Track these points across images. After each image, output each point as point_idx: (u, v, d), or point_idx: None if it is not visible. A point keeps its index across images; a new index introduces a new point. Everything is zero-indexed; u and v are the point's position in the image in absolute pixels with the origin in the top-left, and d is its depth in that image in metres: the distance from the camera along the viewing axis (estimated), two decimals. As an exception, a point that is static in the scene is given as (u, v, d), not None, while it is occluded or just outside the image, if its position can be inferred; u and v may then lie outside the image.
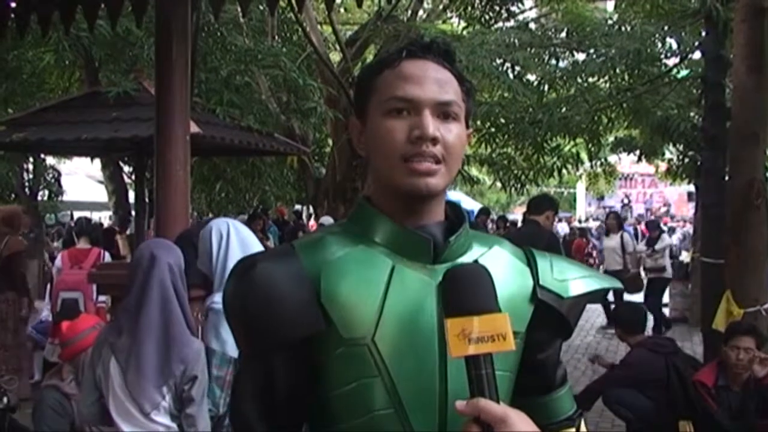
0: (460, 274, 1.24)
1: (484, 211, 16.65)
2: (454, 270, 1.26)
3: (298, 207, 18.41)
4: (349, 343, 1.29)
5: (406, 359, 1.29)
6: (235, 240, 3.55)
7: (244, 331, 1.35)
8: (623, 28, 11.40)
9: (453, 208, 1.47)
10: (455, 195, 24.04)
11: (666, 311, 13.51)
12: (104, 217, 21.76)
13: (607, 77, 11.47)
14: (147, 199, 8.74)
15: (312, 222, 15.81)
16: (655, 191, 37.40)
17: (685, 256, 18.51)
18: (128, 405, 3.05)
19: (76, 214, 19.72)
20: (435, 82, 1.35)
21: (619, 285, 1.61)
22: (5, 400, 4.36)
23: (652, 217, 24.06)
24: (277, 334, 1.29)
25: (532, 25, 13.61)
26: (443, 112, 1.35)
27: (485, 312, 1.18)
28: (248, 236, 3.63)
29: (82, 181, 24.22)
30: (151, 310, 3.11)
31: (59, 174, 19.00)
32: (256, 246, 3.67)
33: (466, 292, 1.20)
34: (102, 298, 7.20)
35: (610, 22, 12.34)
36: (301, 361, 1.32)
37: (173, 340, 3.10)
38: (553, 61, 12.51)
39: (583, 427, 1.58)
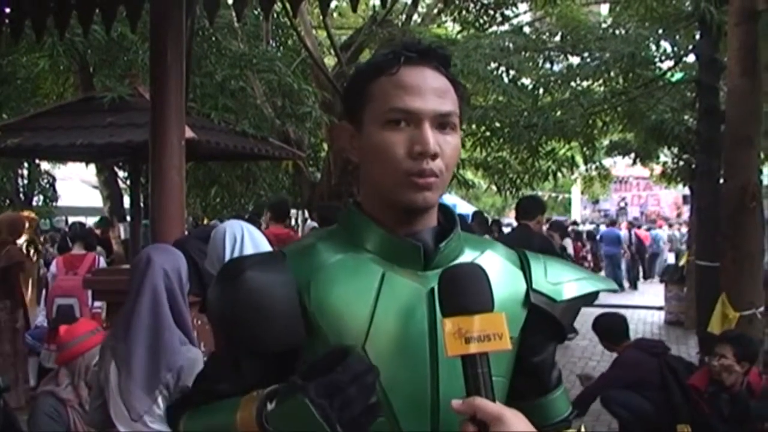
0: (457, 274, 1.23)
1: (479, 215, 16.64)
2: (450, 269, 1.25)
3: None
4: None
5: (397, 366, 1.29)
6: (249, 244, 3.50)
7: (227, 336, 1.36)
8: (617, 32, 11.44)
9: (445, 212, 1.46)
10: (450, 198, 24.04)
11: (662, 314, 13.54)
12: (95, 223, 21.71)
13: (601, 81, 11.51)
14: (142, 204, 8.73)
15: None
16: (650, 194, 37.45)
17: (669, 257, 18.56)
18: (124, 409, 3.04)
19: (71, 220, 19.70)
20: (434, 92, 1.33)
21: (615, 287, 1.61)
22: None
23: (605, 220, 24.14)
24: (259, 343, 1.30)
25: (527, 29, 13.63)
26: (442, 123, 1.33)
27: (482, 311, 1.18)
28: (262, 240, 3.59)
29: (77, 186, 24.15)
30: (142, 316, 3.08)
31: (54, 179, 19.00)
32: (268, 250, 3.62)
33: (463, 292, 1.20)
34: (97, 303, 7.19)
35: (604, 25, 12.39)
36: (281, 367, 1.31)
37: (163, 347, 3.07)
38: (548, 65, 12.56)
39: (583, 429, 1.59)
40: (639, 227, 24.01)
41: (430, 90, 1.33)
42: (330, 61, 14.92)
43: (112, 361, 3.10)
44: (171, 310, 3.13)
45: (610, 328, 5.99)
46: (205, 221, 14.35)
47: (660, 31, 10.64)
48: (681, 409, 5.35)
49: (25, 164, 16.64)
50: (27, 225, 8.27)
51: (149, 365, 3.05)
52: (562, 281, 1.47)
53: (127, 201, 13.91)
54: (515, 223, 7.27)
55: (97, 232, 11.94)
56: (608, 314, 6.42)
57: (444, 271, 1.25)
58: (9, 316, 7.14)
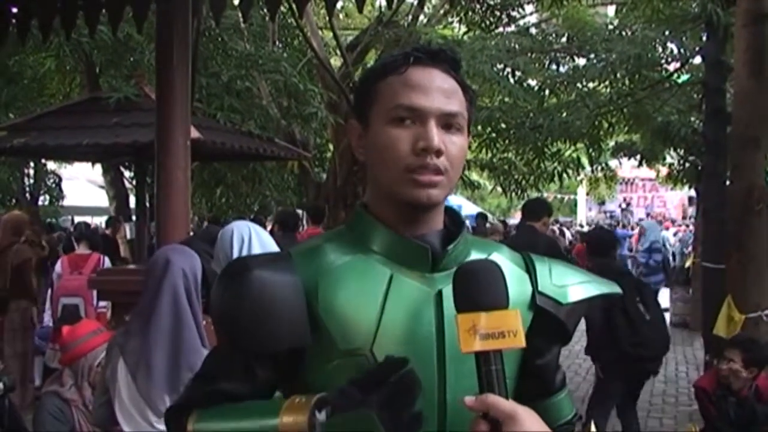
0: (472, 270, 1.23)
1: (482, 216, 16.67)
2: (465, 265, 1.25)
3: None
4: (346, 354, 1.28)
5: None
6: (257, 245, 3.49)
7: (227, 333, 1.35)
8: (624, 33, 11.42)
9: (451, 215, 1.46)
10: (456, 200, 24.05)
11: (667, 316, 13.51)
12: (104, 223, 21.76)
13: (607, 82, 11.48)
14: (148, 204, 8.74)
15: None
16: (656, 195, 37.38)
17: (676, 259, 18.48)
18: (131, 408, 3.03)
19: (77, 219, 19.75)
20: (441, 92, 1.33)
21: (619, 291, 1.60)
22: (1, 385, 4.33)
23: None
24: (259, 342, 1.29)
25: (533, 30, 13.62)
26: (448, 123, 1.33)
27: (497, 308, 1.18)
28: (269, 242, 3.58)
29: (82, 185, 24.18)
30: (162, 316, 3.07)
31: (60, 179, 19.08)
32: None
33: (478, 288, 1.20)
34: (102, 303, 7.19)
35: (610, 27, 12.37)
36: (282, 368, 1.32)
37: (183, 347, 3.06)
38: (554, 66, 12.55)
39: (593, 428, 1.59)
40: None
41: (437, 89, 1.33)
42: (336, 61, 14.91)
43: (120, 359, 3.09)
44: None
45: (599, 239, 6.20)
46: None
47: (666, 33, 10.61)
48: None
49: (31, 164, 16.68)
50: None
51: (170, 365, 3.05)
52: (567, 284, 1.48)
53: (133, 201, 13.95)
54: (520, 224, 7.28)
55: (107, 232, 11.97)
56: (601, 228, 6.54)
57: (459, 267, 1.25)
58: (21, 316, 7.17)
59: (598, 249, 6.08)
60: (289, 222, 8.68)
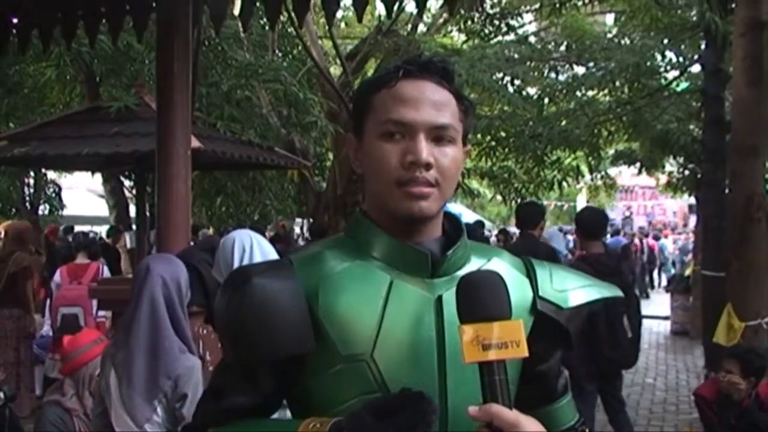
0: (475, 281, 1.23)
1: (479, 224, 16.66)
2: (468, 276, 1.26)
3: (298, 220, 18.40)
4: (347, 360, 1.29)
5: (406, 374, 1.29)
6: (258, 255, 3.49)
7: (232, 344, 1.35)
8: (623, 42, 11.47)
9: (451, 221, 1.47)
10: (456, 208, 24.04)
11: (668, 324, 13.50)
12: (105, 232, 21.72)
13: (606, 90, 11.51)
14: (148, 214, 8.74)
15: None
16: (656, 203, 37.40)
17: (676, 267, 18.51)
18: (125, 417, 3.05)
19: (77, 229, 19.71)
20: (432, 104, 1.34)
21: (620, 293, 1.60)
22: (1, 395, 4.32)
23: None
24: (265, 350, 1.29)
25: (532, 39, 13.66)
26: (438, 135, 1.34)
27: (499, 318, 1.18)
28: (270, 252, 3.58)
29: (83, 195, 24.13)
30: (141, 324, 3.09)
31: (60, 188, 19.02)
32: None
33: (481, 299, 1.20)
34: (102, 312, 7.18)
35: (609, 35, 12.45)
36: (287, 376, 1.33)
37: (162, 355, 3.07)
38: (553, 75, 12.58)
39: None
40: (646, 236, 23.92)
41: (428, 102, 1.34)
42: (335, 70, 14.94)
43: (112, 370, 3.11)
44: (170, 318, 3.14)
45: (590, 221, 5.79)
46: (211, 230, 14.39)
47: (665, 41, 10.65)
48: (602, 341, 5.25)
49: (32, 173, 16.67)
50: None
51: (149, 373, 3.06)
52: (567, 288, 1.48)
53: (133, 210, 13.96)
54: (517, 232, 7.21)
55: (108, 241, 11.98)
56: (591, 208, 6.42)
57: (461, 278, 1.25)
58: (15, 325, 7.15)
59: (588, 231, 5.79)
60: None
